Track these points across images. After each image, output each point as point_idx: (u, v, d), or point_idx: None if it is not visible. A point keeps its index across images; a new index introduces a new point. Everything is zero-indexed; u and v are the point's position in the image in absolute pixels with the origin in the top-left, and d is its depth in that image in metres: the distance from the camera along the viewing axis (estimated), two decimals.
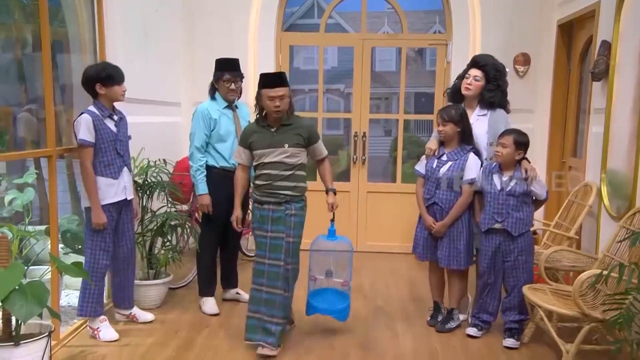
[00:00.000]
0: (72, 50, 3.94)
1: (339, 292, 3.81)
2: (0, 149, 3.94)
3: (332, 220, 3.72)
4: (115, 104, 3.71)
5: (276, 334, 3.44)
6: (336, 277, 3.79)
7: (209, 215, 4.10)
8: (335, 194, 3.72)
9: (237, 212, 3.71)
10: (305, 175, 3.64)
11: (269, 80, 3.51)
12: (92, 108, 3.59)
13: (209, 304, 4.15)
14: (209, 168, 4.07)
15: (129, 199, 3.75)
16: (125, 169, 3.72)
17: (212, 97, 4.14)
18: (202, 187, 4.04)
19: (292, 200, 3.53)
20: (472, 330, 3.81)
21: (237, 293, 4.43)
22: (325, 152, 3.78)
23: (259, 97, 3.53)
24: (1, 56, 4.15)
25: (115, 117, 3.69)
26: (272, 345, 3.42)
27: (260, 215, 3.55)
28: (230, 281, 4.45)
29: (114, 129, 3.66)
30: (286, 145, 3.49)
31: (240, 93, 4.23)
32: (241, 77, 4.16)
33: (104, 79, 3.57)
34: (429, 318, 4.04)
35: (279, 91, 3.46)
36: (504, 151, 3.60)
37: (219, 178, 4.06)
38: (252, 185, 3.70)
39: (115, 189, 3.63)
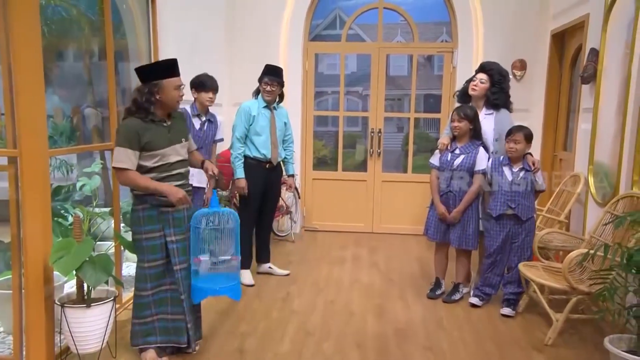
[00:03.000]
0: (131, 58, 4.01)
1: (226, 274, 2.97)
2: (73, 143, 4.04)
3: (215, 189, 3.04)
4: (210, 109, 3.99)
5: (192, 330, 2.93)
6: (223, 255, 2.95)
7: (245, 198, 4.17)
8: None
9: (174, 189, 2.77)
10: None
11: (172, 68, 2.74)
12: (187, 106, 3.87)
13: (246, 276, 4.23)
14: (245, 157, 4.16)
15: (194, 185, 3.76)
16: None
17: (256, 97, 4.22)
18: (239, 172, 4.12)
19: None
20: (474, 300, 3.82)
21: (270, 267, 4.50)
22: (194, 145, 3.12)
23: (155, 90, 2.68)
24: (74, 65, 4.24)
25: (203, 118, 3.95)
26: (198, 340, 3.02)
27: (172, 219, 2.82)
28: (264, 257, 4.51)
29: (197, 126, 3.91)
30: (183, 140, 2.87)
31: (282, 98, 4.26)
32: (280, 83, 4.13)
33: (196, 85, 3.87)
34: (429, 291, 4.06)
35: (181, 79, 2.80)
36: (518, 147, 3.60)
37: (253, 166, 4.16)
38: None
39: None
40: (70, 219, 3.64)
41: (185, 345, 2.94)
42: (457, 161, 3.80)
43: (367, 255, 5.21)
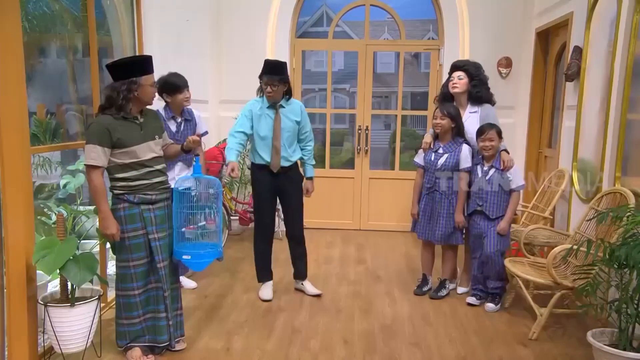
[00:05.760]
0: (116, 55, 3.96)
1: (208, 243, 2.97)
2: (57, 141, 3.99)
3: (197, 156, 3.05)
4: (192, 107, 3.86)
5: (172, 327, 2.94)
6: (203, 221, 2.98)
7: (255, 206, 3.89)
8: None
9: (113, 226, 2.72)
10: None
11: (148, 65, 2.74)
12: (161, 109, 3.71)
13: (265, 290, 3.92)
14: (251, 164, 3.86)
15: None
16: (179, 163, 3.80)
17: (260, 95, 3.73)
18: (230, 155, 3.58)
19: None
20: (471, 299, 3.82)
21: (302, 284, 4.10)
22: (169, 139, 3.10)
23: (134, 87, 2.66)
24: (57, 61, 4.18)
25: (179, 120, 3.78)
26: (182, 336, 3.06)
27: (154, 216, 2.82)
28: (299, 273, 4.09)
29: (174, 129, 3.76)
30: (157, 137, 2.84)
31: (289, 93, 3.74)
32: (282, 80, 3.60)
33: (167, 88, 3.68)
34: (416, 287, 4.08)
35: (154, 75, 2.80)
36: (493, 144, 3.62)
37: (259, 172, 3.80)
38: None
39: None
40: (54, 217, 3.59)
41: (166, 344, 2.94)
42: (441, 160, 3.81)
43: (354, 252, 5.21)
